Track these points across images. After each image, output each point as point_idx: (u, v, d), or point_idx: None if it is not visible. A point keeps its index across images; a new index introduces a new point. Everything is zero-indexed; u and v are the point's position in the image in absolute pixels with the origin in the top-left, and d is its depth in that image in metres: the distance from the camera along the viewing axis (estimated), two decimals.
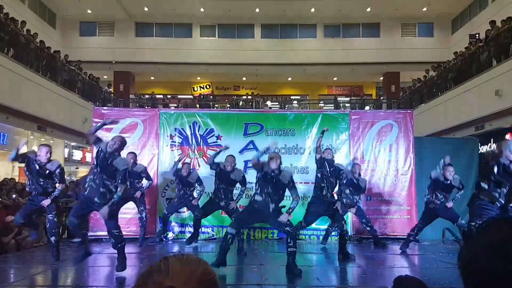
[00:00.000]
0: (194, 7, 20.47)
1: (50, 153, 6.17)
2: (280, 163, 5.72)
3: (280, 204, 5.67)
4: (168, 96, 22.07)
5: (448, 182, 6.93)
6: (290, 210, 5.62)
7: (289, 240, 5.59)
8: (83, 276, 5.72)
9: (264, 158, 5.74)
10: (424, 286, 1.44)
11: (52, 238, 6.13)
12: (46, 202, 6.02)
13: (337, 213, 6.69)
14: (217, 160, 7.09)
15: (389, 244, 8.26)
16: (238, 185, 7.24)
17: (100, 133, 8.83)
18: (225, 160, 7.09)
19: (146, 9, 20.72)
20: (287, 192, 5.72)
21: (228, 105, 20.70)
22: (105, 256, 6.89)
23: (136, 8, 20.66)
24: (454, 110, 13.94)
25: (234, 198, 7.24)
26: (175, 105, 20.40)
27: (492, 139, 12.65)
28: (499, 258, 0.84)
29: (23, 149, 6.30)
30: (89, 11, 20.71)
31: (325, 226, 8.36)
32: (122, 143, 5.35)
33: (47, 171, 6.05)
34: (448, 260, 6.49)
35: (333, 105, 21.48)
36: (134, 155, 7.76)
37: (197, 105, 20.35)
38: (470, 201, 5.82)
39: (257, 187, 5.76)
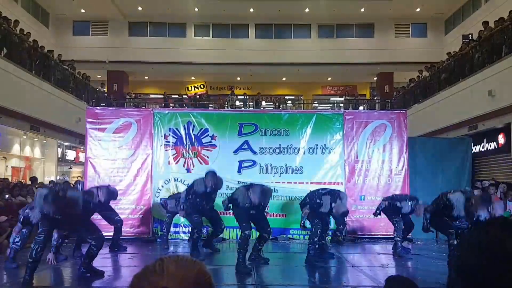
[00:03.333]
0: (188, 7, 20.44)
1: None
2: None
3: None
4: (172, 96, 22.00)
5: None
6: None
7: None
8: (77, 276, 5.69)
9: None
10: (415, 286, 1.45)
11: None
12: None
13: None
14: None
15: (383, 243, 8.32)
16: None
17: (94, 133, 8.85)
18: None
19: (140, 8, 20.65)
20: None
21: (226, 103, 20.76)
22: (99, 257, 6.85)
23: (130, 7, 20.58)
24: (447, 110, 14.01)
25: None
26: (171, 104, 20.45)
27: (485, 139, 12.74)
28: (487, 258, 0.85)
29: None
30: (82, 10, 20.60)
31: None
32: None
33: None
34: (441, 260, 6.52)
35: (327, 105, 21.55)
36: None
37: (188, 105, 20.36)
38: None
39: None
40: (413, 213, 7.02)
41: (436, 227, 6.33)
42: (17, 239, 6.03)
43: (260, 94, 21.97)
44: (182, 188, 8.23)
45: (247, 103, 21.26)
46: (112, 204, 7.93)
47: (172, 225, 8.26)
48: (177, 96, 22.49)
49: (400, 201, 7.04)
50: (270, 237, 6.57)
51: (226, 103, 21.05)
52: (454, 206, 5.69)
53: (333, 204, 6.26)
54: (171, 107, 17.83)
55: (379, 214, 7.33)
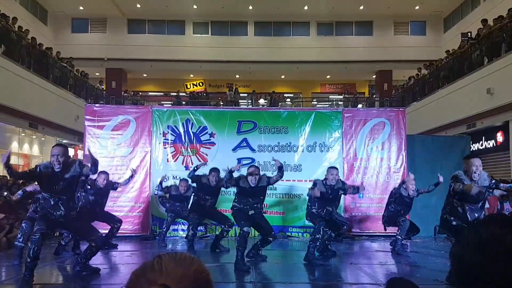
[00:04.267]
0: (187, 4, 20.39)
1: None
2: (259, 176, 6.13)
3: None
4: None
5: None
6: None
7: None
8: (74, 274, 5.68)
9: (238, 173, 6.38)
10: None
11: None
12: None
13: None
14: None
15: (381, 241, 8.33)
16: None
17: (92, 130, 8.84)
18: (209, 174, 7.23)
19: (138, 6, 20.61)
20: None
21: (225, 101, 20.74)
22: (98, 255, 6.84)
23: (129, 5, 20.53)
24: (446, 108, 14.02)
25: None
26: (171, 102, 20.44)
27: (483, 137, 12.76)
28: (487, 255, 0.85)
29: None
30: (81, 8, 20.56)
31: None
32: None
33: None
34: (439, 257, 6.54)
35: (326, 103, 21.54)
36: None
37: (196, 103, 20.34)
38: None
39: (236, 198, 6.25)
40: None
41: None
42: (19, 235, 6.04)
43: (275, 92, 21.85)
44: None
45: (254, 101, 21.11)
46: (111, 201, 7.94)
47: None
48: (186, 94, 22.53)
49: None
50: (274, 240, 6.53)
51: (225, 99, 21.00)
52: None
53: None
54: (184, 105, 17.83)
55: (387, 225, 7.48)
